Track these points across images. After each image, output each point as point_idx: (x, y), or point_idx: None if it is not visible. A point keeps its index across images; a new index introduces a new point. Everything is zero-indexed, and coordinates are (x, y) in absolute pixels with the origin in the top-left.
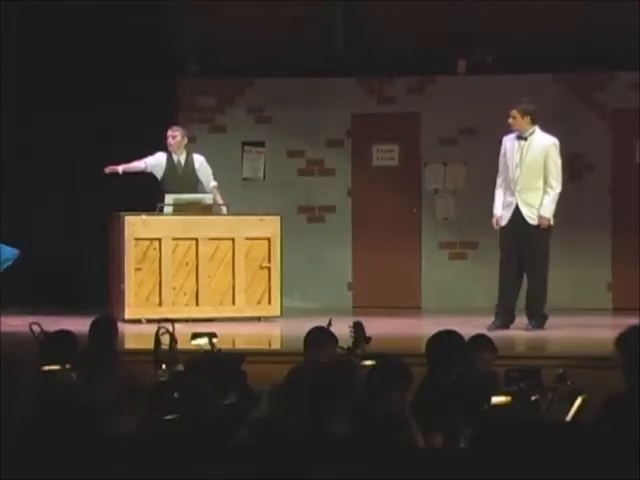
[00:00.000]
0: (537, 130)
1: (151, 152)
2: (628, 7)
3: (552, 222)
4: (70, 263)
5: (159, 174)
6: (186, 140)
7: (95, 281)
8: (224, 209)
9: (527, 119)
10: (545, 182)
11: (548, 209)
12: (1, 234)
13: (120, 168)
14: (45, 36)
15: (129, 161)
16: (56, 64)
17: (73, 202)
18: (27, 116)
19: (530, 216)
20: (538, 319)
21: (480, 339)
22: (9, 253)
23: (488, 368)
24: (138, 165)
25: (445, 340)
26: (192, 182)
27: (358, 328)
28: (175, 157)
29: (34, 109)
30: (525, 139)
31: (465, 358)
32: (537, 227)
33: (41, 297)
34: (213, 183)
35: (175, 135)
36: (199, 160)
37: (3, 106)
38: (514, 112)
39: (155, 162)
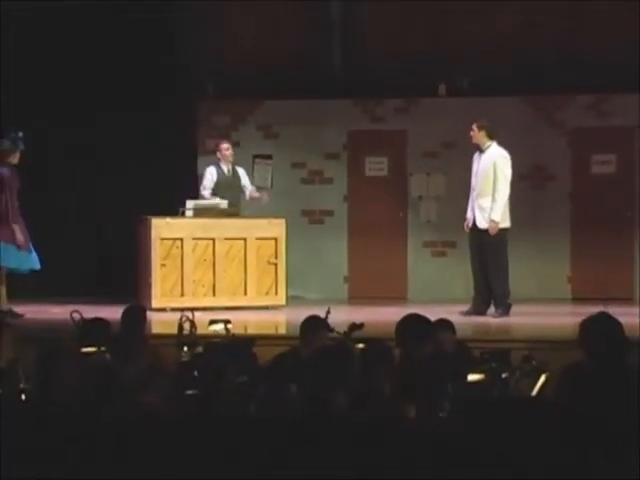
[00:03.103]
0: (494, 145)
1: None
2: (586, 40)
3: (507, 225)
4: (104, 259)
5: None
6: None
7: (126, 275)
8: (265, 197)
9: (482, 133)
10: (493, 188)
11: (495, 212)
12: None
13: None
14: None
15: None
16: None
17: (102, 204)
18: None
19: (480, 220)
20: (503, 308)
21: (441, 322)
22: (33, 263)
23: (450, 346)
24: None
25: (411, 321)
26: (238, 188)
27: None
28: (224, 167)
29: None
30: (483, 152)
31: (432, 337)
32: (487, 231)
33: (79, 289)
34: (251, 187)
35: (229, 148)
36: (241, 171)
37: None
38: (473, 126)
39: (211, 178)
